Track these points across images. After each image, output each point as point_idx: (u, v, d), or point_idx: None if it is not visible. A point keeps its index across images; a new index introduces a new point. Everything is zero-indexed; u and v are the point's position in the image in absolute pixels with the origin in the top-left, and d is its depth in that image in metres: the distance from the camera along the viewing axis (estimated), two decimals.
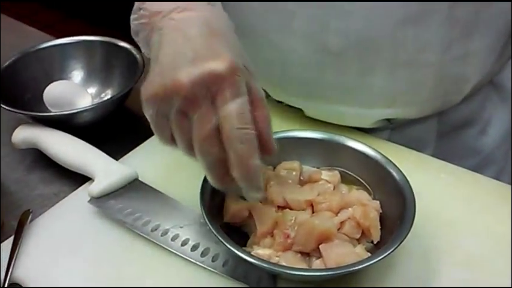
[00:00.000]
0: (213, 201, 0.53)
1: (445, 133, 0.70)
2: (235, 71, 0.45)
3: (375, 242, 0.51)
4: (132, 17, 0.55)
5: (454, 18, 0.56)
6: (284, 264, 0.48)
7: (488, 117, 0.72)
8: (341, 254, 0.48)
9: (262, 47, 0.63)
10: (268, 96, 0.70)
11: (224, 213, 0.53)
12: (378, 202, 0.53)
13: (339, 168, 0.58)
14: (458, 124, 0.70)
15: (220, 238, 0.48)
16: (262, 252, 0.50)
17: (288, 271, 0.47)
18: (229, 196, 0.54)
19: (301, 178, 0.57)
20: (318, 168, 0.58)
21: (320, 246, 0.49)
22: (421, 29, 0.57)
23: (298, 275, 0.48)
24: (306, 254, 0.50)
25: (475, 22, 0.57)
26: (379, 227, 0.51)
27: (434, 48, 0.58)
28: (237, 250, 0.48)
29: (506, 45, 0.62)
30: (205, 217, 0.50)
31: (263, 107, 0.48)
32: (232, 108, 0.45)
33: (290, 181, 0.55)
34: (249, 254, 0.48)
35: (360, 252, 0.49)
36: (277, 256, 0.49)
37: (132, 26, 0.56)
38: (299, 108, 0.68)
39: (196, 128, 0.46)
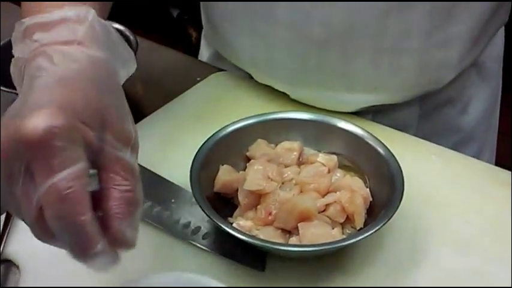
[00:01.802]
0: (205, 172, 0.54)
1: (427, 114, 0.71)
2: (55, 135, 0.35)
3: (358, 229, 0.51)
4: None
5: (434, 5, 0.57)
6: (262, 237, 0.49)
7: (469, 96, 0.73)
8: (316, 234, 0.48)
9: (247, 34, 0.65)
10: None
11: (215, 184, 0.54)
12: (368, 190, 0.53)
13: (340, 154, 0.57)
14: (440, 104, 0.71)
15: (201, 205, 0.49)
16: (243, 224, 0.50)
17: (263, 243, 0.48)
18: (222, 167, 0.55)
19: (300, 159, 0.57)
20: (318, 151, 0.58)
21: (299, 224, 0.49)
22: (404, 17, 0.58)
23: (273, 248, 0.49)
24: (286, 232, 0.50)
25: (454, 8, 0.58)
26: (364, 214, 0.51)
27: (416, 35, 0.59)
28: (216, 219, 0.48)
29: (485, 28, 0.63)
30: (192, 186, 0.51)
31: (117, 181, 0.38)
32: (50, 190, 0.35)
33: (289, 161, 0.56)
34: (226, 223, 0.49)
35: (335, 234, 0.49)
36: (257, 229, 0.50)
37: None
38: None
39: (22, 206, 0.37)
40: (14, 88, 0.62)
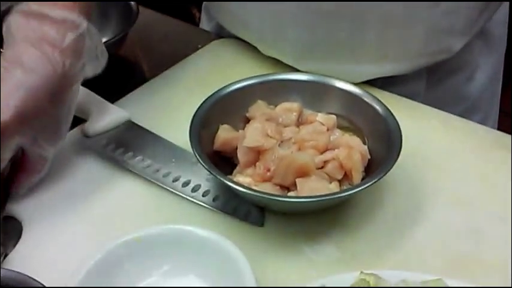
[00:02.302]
0: (205, 131, 0.54)
1: (434, 82, 0.71)
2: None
3: (355, 185, 0.50)
4: None
5: None
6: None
7: (476, 63, 0.73)
8: (314, 188, 0.49)
9: (254, 7, 0.65)
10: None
11: (215, 142, 0.55)
12: (366, 147, 0.53)
13: (339, 115, 0.57)
14: (447, 72, 0.71)
15: (202, 162, 0.50)
16: (242, 180, 0.51)
17: (261, 195, 0.48)
18: (221, 126, 0.55)
19: (300, 120, 0.57)
20: (318, 112, 0.58)
21: (296, 180, 0.49)
22: None
23: (271, 199, 0.49)
24: (284, 188, 0.51)
25: None
26: (362, 171, 0.51)
27: (424, 3, 0.59)
28: (218, 174, 0.49)
29: None
30: (192, 143, 0.51)
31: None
32: None
33: (288, 121, 0.56)
34: (226, 177, 0.49)
35: (332, 188, 0.50)
36: (255, 185, 0.50)
37: None
38: None
39: None
40: None
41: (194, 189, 0.54)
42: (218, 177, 0.49)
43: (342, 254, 0.49)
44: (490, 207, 0.53)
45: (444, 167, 0.57)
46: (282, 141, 0.54)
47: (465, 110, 0.72)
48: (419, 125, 0.62)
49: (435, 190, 0.55)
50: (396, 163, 0.50)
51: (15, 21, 0.50)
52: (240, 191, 0.48)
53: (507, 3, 0.75)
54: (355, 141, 0.53)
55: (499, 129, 0.80)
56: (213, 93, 0.57)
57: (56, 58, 0.48)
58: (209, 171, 0.49)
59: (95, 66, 0.55)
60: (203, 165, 0.49)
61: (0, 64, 0.48)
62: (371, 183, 0.47)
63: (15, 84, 0.47)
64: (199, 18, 0.89)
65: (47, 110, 0.49)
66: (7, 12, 0.52)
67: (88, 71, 0.54)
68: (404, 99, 0.66)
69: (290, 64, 0.68)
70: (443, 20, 0.62)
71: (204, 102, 0.56)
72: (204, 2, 0.82)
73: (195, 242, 0.45)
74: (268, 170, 0.51)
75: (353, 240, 0.50)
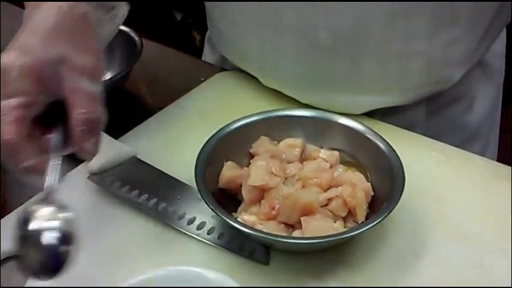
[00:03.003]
0: (209, 168, 0.55)
1: (434, 112, 0.72)
2: (5, 69, 0.45)
3: (359, 223, 0.52)
4: None
5: (439, 8, 0.58)
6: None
7: (475, 93, 0.74)
8: (319, 227, 0.49)
9: (254, 41, 0.66)
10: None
11: (219, 180, 0.56)
12: (369, 184, 0.54)
13: (342, 150, 0.58)
14: (446, 103, 0.72)
15: (207, 202, 0.50)
16: (247, 218, 0.51)
17: (266, 236, 0.49)
18: (226, 164, 0.56)
19: (303, 156, 0.58)
20: (321, 147, 0.59)
21: (301, 218, 0.50)
22: (410, 21, 0.59)
23: (276, 240, 0.49)
24: (289, 226, 0.51)
25: (457, 9, 0.59)
26: (365, 208, 0.52)
27: (422, 37, 0.61)
28: (221, 213, 0.50)
29: (489, 27, 0.64)
30: (197, 181, 0.52)
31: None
32: None
33: (292, 157, 0.57)
34: (231, 217, 0.50)
35: (337, 227, 0.50)
36: (260, 224, 0.51)
37: None
38: None
39: None
40: None
41: (199, 227, 0.54)
42: (224, 218, 0.49)
43: None
44: (492, 240, 0.54)
45: (445, 199, 0.58)
46: (286, 178, 0.54)
47: (465, 139, 0.73)
48: (420, 157, 0.63)
49: (437, 224, 0.55)
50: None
51: None
52: (245, 231, 0.49)
53: (504, 36, 0.76)
54: (358, 177, 0.53)
55: (499, 146, 0.82)
56: (218, 131, 0.58)
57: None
58: (215, 212, 0.50)
59: (110, 26, 0.57)
60: (209, 206, 0.50)
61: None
62: (375, 223, 0.48)
63: (24, 31, 0.48)
64: (200, 41, 0.90)
65: (50, 42, 0.48)
66: None
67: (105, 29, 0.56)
68: (404, 131, 0.67)
69: (291, 96, 0.69)
70: (443, 52, 0.63)
71: (209, 140, 0.57)
72: (207, 34, 0.83)
73: (203, 284, 0.45)
74: (273, 209, 0.51)
75: (358, 278, 0.50)
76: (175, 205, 0.56)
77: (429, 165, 0.62)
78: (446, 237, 0.54)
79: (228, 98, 0.72)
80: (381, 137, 0.56)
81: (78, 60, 0.47)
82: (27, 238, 0.43)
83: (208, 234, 0.54)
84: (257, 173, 0.53)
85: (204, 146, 0.56)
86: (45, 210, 0.44)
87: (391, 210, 0.49)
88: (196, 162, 0.54)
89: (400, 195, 0.50)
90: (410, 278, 0.50)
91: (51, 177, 0.45)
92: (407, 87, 0.66)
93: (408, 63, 0.63)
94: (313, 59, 0.63)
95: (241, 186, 0.54)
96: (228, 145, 0.58)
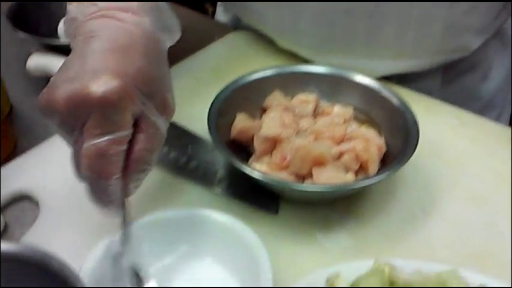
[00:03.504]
0: (222, 119, 0.54)
1: (449, 81, 0.71)
2: (113, 99, 0.39)
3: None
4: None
5: None
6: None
7: (491, 62, 0.74)
8: (330, 177, 0.49)
9: (272, 4, 0.65)
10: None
11: (232, 130, 0.55)
12: (382, 140, 0.53)
13: (356, 107, 0.58)
14: (462, 71, 0.72)
15: (218, 148, 0.50)
16: (258, 168, 0.51)
17: (278, 183, 0.48)
18: (239, 115, 0.55)
19: (316, 112, 0.58)
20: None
21: (313, 169, 0.50)
22: None
23: (287, 187, 0.49)
24: (300, 177, 0.51)
25: None
26: (377, 163, 0.52)
27: (443, 3, 0.60)
28: (235, 161, 0.49)
29: None
30: (210, 130, 0.52)
31: (149, 149, 0.42)
32: (91, 148, 0.40)
33: (305, 112, 0.56)
34: (242, 164, 0.49)
35: (349, 178, 0.50)
36: (271, 174, 0.51)
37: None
38: None
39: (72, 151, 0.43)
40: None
41: (210, 176, 0.54)
42: (236, 163, 0.49)
43: (355, 242, 0.49)
44: (503, 203, 0.53)
45: (459, 162, 0.58)
46: (298, 132, 0.54)
47: (479, 108, 0.72)
48: (435, 120, 0.62)
49: (449, 185, 0.55)
50: (411, 157, 0.50)
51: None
52: (257, 177, 0.49)
53: None
54: (371, 133, 0.53)
55: (511, 121, 0.81)
56: (231, 83, 0.57)
57: (132, 17, 0.44)
58: (227, 158, 0.50)
59: (171, 36, 0.52)
60: (221, 152, 0.50)
61: (82, 32, 0.43)
62: (388, 173, 0.48)
63: (104, 49, 0.42)
64: (213, 13, 0.89)
65: (144, 70, 0.42)
66: None
67: (166, 41, 0.50)
68: (420, 95, 0.67)
69: (306, 57, 0.69)
70: (462, 19, 0.62)
71: (222, 91, 0.56)
72: None
73: (213, 226, 0.46)
74: (285, 159, 0.51)
75: (366, 230, 0.50)
76: (187, 155, 0.56)
77: (444, 130, 0.61)
78: (456, 198, 0.54)
79: (241, 57, 0.72)
80: (396, 94, 0.56)
81: (163, 98, 0.43)
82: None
83: (218, 184, 0.54)
84: (270, 124, 0.53)
85: (217, 97, 0.56)
86: None
87: (403, 164, 0.49)
88: (209, 111, 0.54)
89: (414, 150, 0.50)
90: (419, 234, 0.50)
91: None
92: (425, 53, 0.65)
93: (427, 29, 0.62)
94: (331, 20, 0.62)
95: (253, 137, 0.54)
96: (241, 98, 0.57)
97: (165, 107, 0.44)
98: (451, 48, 0.65)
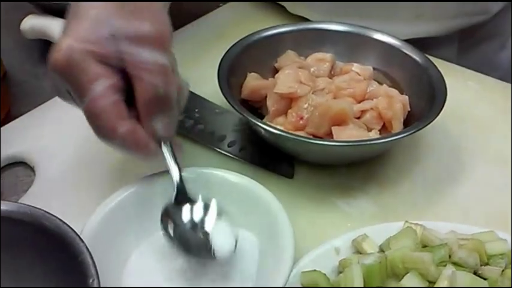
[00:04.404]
0: (232, 79, 0.50)
1: (466, 49, 0.68)
2: (62, 64, 0.38)
3: None
4: None
5: None
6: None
7: (508, 32, 0.70)
8: (352, 136, 0.45)
9: None
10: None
11: (242, 90, 0.51)
12: (407, 97, 0.49)
13: (375, 68, 0.54)
14: (479, 39, 0.69)
15: (233, 105, 0.46)
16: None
17: (298, 138, 0.44)
18: (250, 74, 0.52)
19: (332, 72, 0.54)
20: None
21: (333, 128, 0.46)
22: None
23: (308, 142, 0.45)
24: (318, 138, 0.47)
25: None
26: (402, 121, 0.48)
27: None
28: (250, 118, 0.45)
29: None
30: (222, 88, 0.48)
31: None
32: (85, 112, 0.38)
33: (321, 71, 0.52)
34: (258, 122, 0.45)
35: (373, 136, 0.46)
36: None
37: None
38: None
39: None
40: None
41: (220, 140, 0.50)
42: (250, 120, 0.45)
43: (378, 208, 0.46)
44: None
45: (483, 126, 0.54)
46: (314, 92, 0.50)
47: (497, 78, 0.69)
48: (456, 85, 0.58)
49: (474, 148, 0.51)
50: (435, 120, 0.46)
51: None
52: (274, 134, 0.44)
53: None
54: (394, 91, 0.49)
55: None
56: (240, 40, 0.53)
57: None
58: (242, 114, 0.46)
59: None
60: (235, 110, 0.46)
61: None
62: (417, 129, 0.44)
63: (76, 17, 0.39)
64: None
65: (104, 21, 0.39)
66: None
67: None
68: (438, 60, 0.62)
69: None
70: None
71: (231, 48, 0.52)
72: None
73: (224, 187, 0.42)
74: (302, 118, 0.47)
75: (389, 195, 0.47)
76: (194, 118, 0.52)
77: (467, 94, 0.58)
78: (484, 161, 0.50)
79: (246, 22, 0.68)
80: (419, 51, 0.52)
81: (132, 30, 0.38)
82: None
83: (229, 147, 0.50)
84: (285, 80, 0.49)
85: (226, 54, 0.52)
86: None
87: (432, 121, 0.45)
88: (219, 70, 0.50)
89: (442, 107, 0.46)
90: (445, 199, 0.47)
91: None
92: (443, 16, 0.62)
93: None
94: None
95: (265, 97, 0.50)
96: (252, 57, 0.53)
97: (140, 39, 0.38)
98: (470, 10, 0.62)
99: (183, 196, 0.40)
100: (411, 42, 0.63)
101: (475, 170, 0.49)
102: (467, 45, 0.68)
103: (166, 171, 0.41)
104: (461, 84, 0.59)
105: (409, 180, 0.48)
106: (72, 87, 0.38)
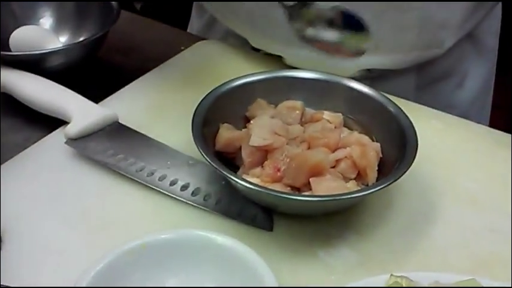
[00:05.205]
0: (205, 130, 0.50)
1: (423, 86, 0.70)
2: None
3: (370, 185, 0.48)
4: None
5: None
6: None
7: (465, 70, 0.73)
8: (330, 187, 0.45)
9: None
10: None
11: (216, 142, 0.51)
12: (379, 144, 0.50)
13: (344, 114, 0.55)
14: (436, 77, 0.70)
15: (208, 159, 0.46)
16: (250, 180, 0.47)
17: (276, 194, 0.44)
18: (223, 125, 0.52)
19: (303, 120, 0.54)
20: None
21: (310, 179, 0.46)
22: None
23: (287, 198, 0.45)
24: (295, 189, 0.47)
25: None
26: (376, 169, 0.49)
27: None
28: (227, 172, 0.45)
29: None
30: (196, 141, 0.47)
31: None
32: None
33: (291, 120, 0.53)
34: (237, 176, 0.46)
35: (351, 187, 0.47)
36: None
37: None
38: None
39: None
40: None
41: (194, 193, 0.50)
42: (227, 175, 0.45)
43: (358, 256, 0.46)
44: (502, 205, 0.51)
45: (451, 165, 0.56)
46: (289, 141, 0.50)
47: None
48: (419, 124, 0.59)
49: (446, 189, 0.53)
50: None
51: None
52: (254, 190, 0.44)
53: (499, 15, 0.75)
54: (365, 139, 0.50)
55: (490, 122, 0.81)
56: (212, 91, 0.53)
57: None
58: (219, 170, 0.45)
59: None
60: (212, 165, 0.45)
61: None
62: (393, 181, 0.45)
63: None
64: (141, 8, 0.85)
65: None
66: None
67: None
68: (399, 99, 0.64)
69: (278, 53, 0.66)
70: (438, 12, 0.61)
71: (203, 100, 0.52)
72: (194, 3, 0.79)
73: (210, 249, 0.41)
74: (279, 170, 0.47)
75: (368, 243, 0.47)
76: (166, 171, 0.51)
77: (430, 133, 0.59)
78: (455, 201, 0.52)
79: (210, 65, 0.68)
80: (387, 98, 0.53)
81: None
82: None
83: (204, 200, 0.49)
84: (259, 132, 0.49)
85: (198, 106, 0.51)
86: None
87: (407, 169, 0.46)
88: (193, 122, 0.49)
89: (415, 154, 0.47)
90: (424, 242, 0.47)
91: None
92: (399, 48, 0.63)
93: (402, 20, 0.60)
94: None
95: (239, 149, 0.50)
96: (222, 107, 0.53)
97: None
98: (426, 43, 0.64)
99: None
100: (368, 77, 0.65)
101: (448, 212, 0.50)
102: (424, 82, 0.70)
103: None
104: (425, 123, 0.61)
105: (385, 226, 0.49)
106: None
